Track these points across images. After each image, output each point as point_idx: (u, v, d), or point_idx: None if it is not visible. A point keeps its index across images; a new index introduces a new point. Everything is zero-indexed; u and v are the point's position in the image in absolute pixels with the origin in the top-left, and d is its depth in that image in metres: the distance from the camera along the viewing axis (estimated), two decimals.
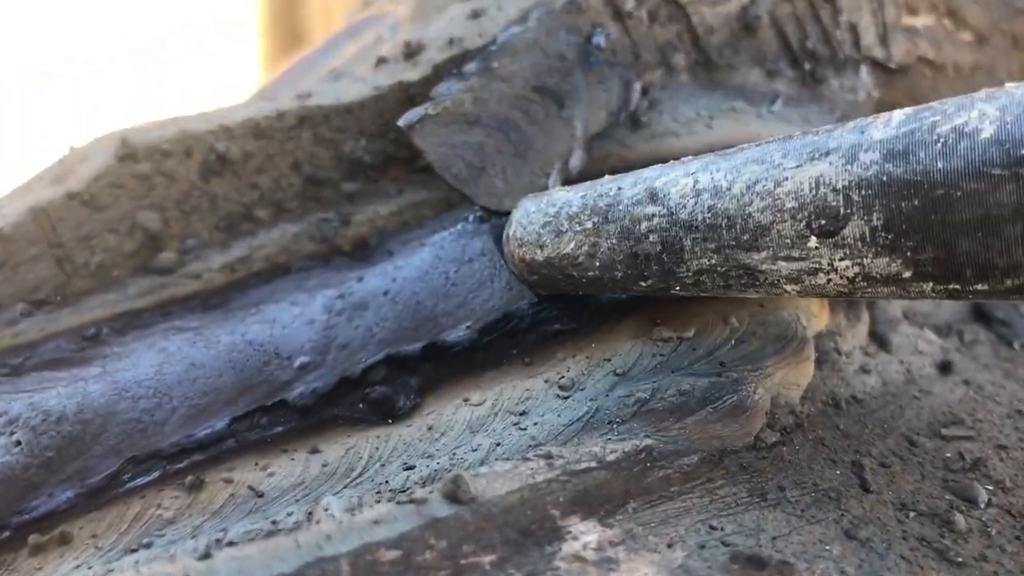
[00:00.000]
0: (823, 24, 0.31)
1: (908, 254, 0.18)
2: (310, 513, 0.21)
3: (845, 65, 0.32)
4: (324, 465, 0.23)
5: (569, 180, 0.27)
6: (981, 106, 0.17)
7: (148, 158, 0.27)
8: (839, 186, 0.18)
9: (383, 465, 0.22)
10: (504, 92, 0.27)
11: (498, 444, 0.22)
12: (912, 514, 0.22)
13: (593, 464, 0.21)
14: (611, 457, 0.21)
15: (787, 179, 0.19)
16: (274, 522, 0.21)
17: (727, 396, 0.23)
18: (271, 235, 0.28)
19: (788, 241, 0.19)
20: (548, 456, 0.21)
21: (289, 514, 0.21)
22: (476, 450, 0.22)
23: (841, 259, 0.19)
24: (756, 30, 0.30)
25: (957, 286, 0.18)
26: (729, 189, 0.20)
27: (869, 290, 0.19)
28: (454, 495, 0.19)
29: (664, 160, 0.29)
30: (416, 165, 0.29)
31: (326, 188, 0.28)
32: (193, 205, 0.27)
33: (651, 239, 0.21)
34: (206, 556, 0.18)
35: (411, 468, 0.22)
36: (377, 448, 0.23)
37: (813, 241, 0.19)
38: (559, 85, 0.27)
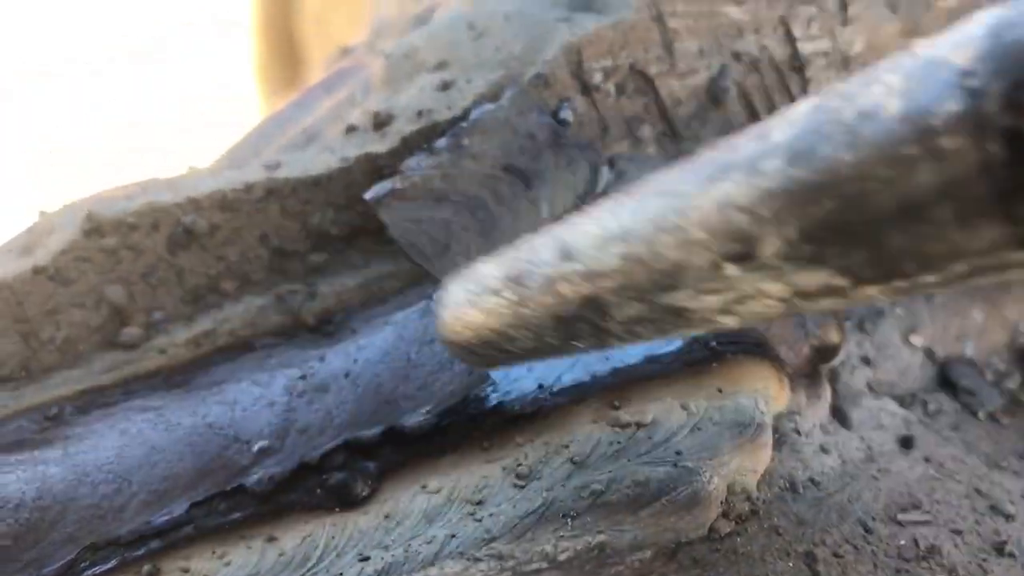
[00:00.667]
0: (791, 94, 0.31)
1: (836, 261, 0.16)
2: None
3: None
4: (280, 554, 0.23)
5: None
6: (885, 77, 0.15)
7: (115, 232, 0.27)
8: (745, 204, 0.17)
9: (339, 555, 0.23)
10: (473, 170, 0.27)
11: (453, 535, 0.22)
12: None
13: (544, 565, 0.21)
14: (563, 556, 0.21)
15: (692, 208, 0.17)
16: None
17: (682, 487, 0.23)
18: (237, 308, 0.28)
19: (706, 274, 0.18)
20: (500, 556, 0.21)
21: None
22: (431, 542, 0.22)
23: (765, 281, 0.17)
24: (724, 102, 0.30)
25: (903, 283, 0.16)
26: (636, 231, 0.19)
27: (810, 305, 0.17)
28: None
29: None
30: (384, 236, 0.29)
31: (293, 260, 0.29)
32: (159, 278, 0.28)
33: (573, 299, 0.20)
34: None
35: (366, 559, 0.22)
36: (333, 537, 0.23)
37: (730, 268, 0.17)
38: (528, 165, 0.27)
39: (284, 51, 2.40)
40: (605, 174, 0.29)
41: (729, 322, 0.18)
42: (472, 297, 0.22)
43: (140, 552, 0.22)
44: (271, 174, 0.29)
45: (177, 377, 0.27)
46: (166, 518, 0.23)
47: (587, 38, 0.30)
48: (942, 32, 0.15)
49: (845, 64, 0.32)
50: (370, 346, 0.26)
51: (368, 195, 0.27)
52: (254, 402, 0.26)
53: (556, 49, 0.30)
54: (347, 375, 0.26)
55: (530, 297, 0.21)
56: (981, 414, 0.31)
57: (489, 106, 0.28)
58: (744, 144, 0.17)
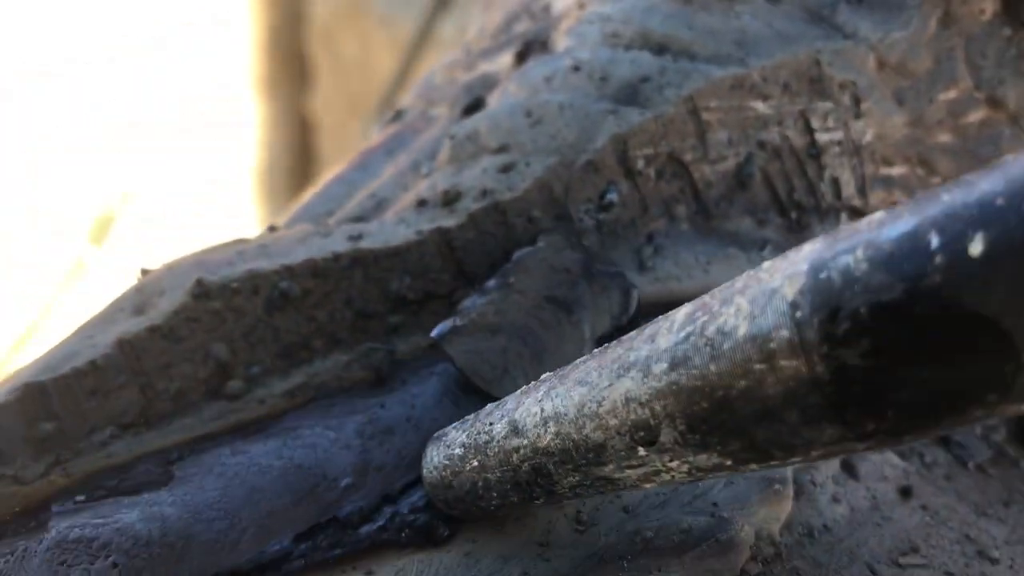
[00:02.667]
0: (809, 178, 0.35)
1: (719, 448, 0.19)
2: None
3: (827, 213, 0.36)
4: None
5: None
6: (738, 300, 0.18)
7: (220, 295, 0.31)
8: (643, 400, 0.20)
9: None
10: (521, 303, 0.31)
11: (526, 573, 0.26)
12: None
13: None
14: None
15: (605, 399, 0.21)
16: None
17: (719, 534, 0.27)
18: (326, 364, 0.32)
19: (623, 453, 0.21)
20: None
21: None
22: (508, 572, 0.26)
23: (670, 460, 0.21)
24: (750, 185, 0.34)
25: (776, 462, 0.19)
26: (566, 415, 0.22)
27: (711, 475, 0.21)
28: None
29: (668, 302, 0.33)
30: (454, 299, 0.33)
31: (374, 321, 0.33)
32: (258, 337, 0.31)
33: (524, 468, 0.24)
34: None
35: None
36: (422, 572, 0.27)
37: (641, 451, 0.21)
38: (567, 295, 0.31)
39: (291, 69, 2.42)
40: (635, 297, 0.33)
41: (651, 486, 0.22)
42: (445, 462, 0.27)
43: None
44: (355, 245, 0.33)
45: (252, 427, 0.31)
46: (276, 548, 0.27)
47: (632, 130, 0.34)
48: (784, 258, 0.18)
49: (857, 151, 0.36)
50: (423, 394, 0.30)
51: (434, 334, 0.31)
52: (331, 444, 0.30)
53: (605, 138, 0.34)
54: (408, 419, 0.30)
55: (490, 465, 0.25)
56: (971, 465, 0.35)
57: (528, 248, 0.32)
58: (640, 345, 0.20)
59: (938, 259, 0.15)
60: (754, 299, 0.18)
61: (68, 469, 0.29)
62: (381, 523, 0.28)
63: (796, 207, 0.35)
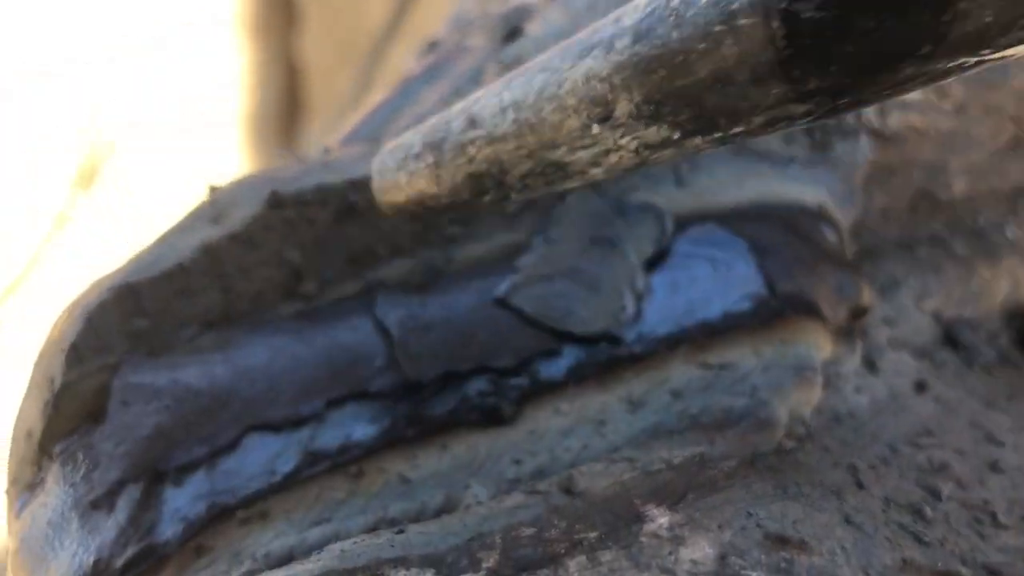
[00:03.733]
0: None
1: (670, 119, 0.21)
2: (452, 497, 0.28)
3: (848, 134, 0.39)
4: (453, 458, 0.30)
5: (639, 296, 0.33)
6: None
7: (293, 206, 0.34)
8: (604, 75, 0.21)
9: (497, 459, 0.29)
10: (567, 251, 0.33)
11: (585, 446, 0.29)
12: (893, 505, 0.29)
13: (663, 466, 0.28)
14: (676, 461, 0.28)
15: (565, 79, 0.22)
16: (423, 503, 0.28)
17: (759, 412, 0.30)
18: (389, 269, 0.34)
19: (577, 132, 0.22)
20: (630, 459, 0.28)
21: (434, 498, 0.28)
22: (569, 451, 0.29)
23: (621, 136, 0.22)
24: None
25: (719, 134, 0.20)
26: (525, 100, 0.23)
27: (655, 156, 0.22)
28: (568, 488, 0.26)
29: (703, 214, 0.36)
30: (506, 211, 0.35)
31: (432, 232, 0.35)
32: (329, 244, 0.34)
33: (479, 158, 0.25)
34: (400, 532, 0.25)
35: (519, 462, 0.29)
36: (492, 446, 0.30)
37: (596, 128, 0.22)
38: (607, 233, 0.34)
39: (278, 7, 2.41)
40: (669, 225, 0.35)
41: (598, 172, 0.23)
42: (399, 163, 0.28)
43: (347, 457, 0.29)
44: None
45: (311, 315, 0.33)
46: (308, 410, 0.30)
47: None
48: None
49: None
50: (461, 302, 0.33)
51: (496, 294, 0.33)
52: (372, 329, 0.32)
53: None
54: (446, 320, 0.33)
55: (446, 159, 0.26)
56: (976, 366, 0.38)
57: (559, 205, 0.35)
58: (603, 27, 0.22)
59: None
60: None
61: None
62: (453, 405, 0.30)
63: (820, 128, 0.38)
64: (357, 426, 0.30)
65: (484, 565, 0.24)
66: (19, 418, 0.32)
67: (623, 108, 0.21)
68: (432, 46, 0.49)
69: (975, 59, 0.18)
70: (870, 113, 0.39)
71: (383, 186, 0.28)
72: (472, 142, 0.25)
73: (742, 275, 0.34)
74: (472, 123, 0.25)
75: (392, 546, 0.25)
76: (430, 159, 0.26)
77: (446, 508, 0.28)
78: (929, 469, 0.31)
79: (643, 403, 0.30)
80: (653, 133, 0.21)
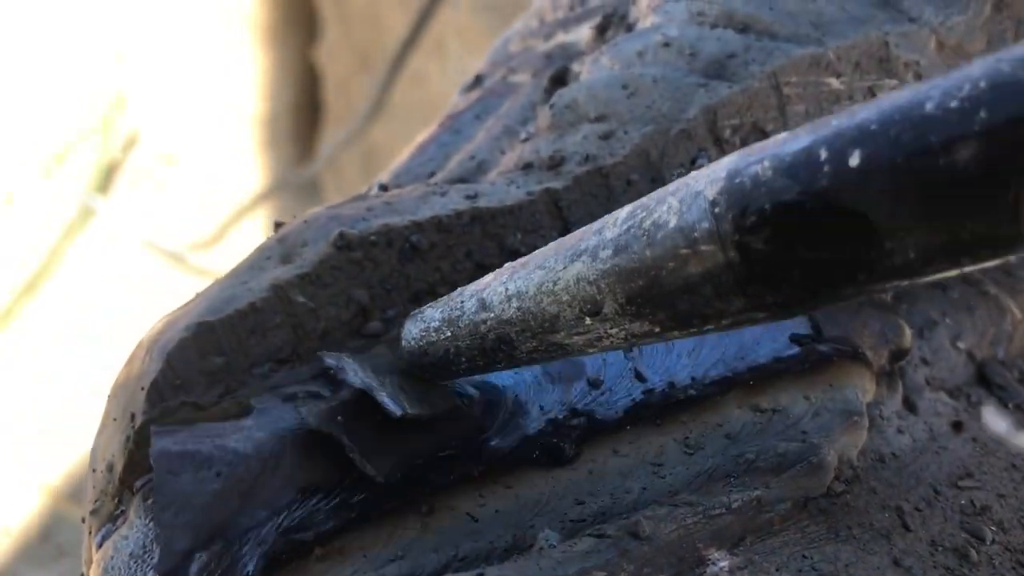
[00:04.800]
0: None
1: (650, 317, 0.25)
2: (519, 537, 0.29)
3: None
4: (517, 498, 0.31)
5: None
6: (670, 199, 0.24)
7: (359, 247, 0.35)
8: (591, 279, 0.25)
9: (560, 499, 0.31)
10: None
11: (645, 488, 0.31)
12: (940, 548, 0.31)
13: (723, 510, 0.29)
14: (734, 504, 0.29)
15: (560, 279, 0.27)
16: (491, 543, 0.29)
17: (811, 457, 0.31)
18: None
19: (572, 323, 0.27)
20: (691, 504, 0.29)
21: (501, 537, 0.30)
22: (629, 492, 0.31)
23: (610, 328, 0.26)
24: None
25: (694, 330, 0.24)
26: (527, 292, 0.28)
27: (640, 341, 0.26)
28: (635, 533, 0.28)
29: None
30: None
31: (490, 270, 0.36)
32: (393, 284, 0.35)
33: (490, 336, 0.29)
34: (480, 573, 0.27)
35: (582, 503, 0.31)
36: (554, 486, 0.31)
37: (588, 320, 0.26)
38: None
39: (297, 14, 2.42)
40: None
41: (593, 351, 0.28)
42: (423, 334, 0.32)
43: (415, 494, 0.31)
44: (474, 203, 0.36)
45: None
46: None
47: (720, 102, 0.37)
48: (707, 168, 0.24)
49: None
50: None
51: None
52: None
53: (696, 109, 0.37)
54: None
55: (461, 335, 0.30)
56: (1010, 405, 0.39)
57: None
58: (589, 236, 0.26)
59: (826, 168, 0.20)
60: (683, 199, 0.23)
61: (237, 397, 0.33)
62: (516, 444, 0.32)
63: None
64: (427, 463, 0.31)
65: None
66: (98, 450, 0.33)
67: (610, 307, 0.25)
68: (477, 81, 0.51)
69: (907, 282, 0.21)
70: None
71: (412, 351, 0.32)
72: (484, 322, 0.29)
73: (790, 320, 0.35)
74: (483, 306, 0.29)
75: None
76: (448, 332, 0.31)
77: (514, 548, 0.29)
78: (972, 512, 0.33)
79: (699, 446, 0.32)
80: (637, 327, 0.25)
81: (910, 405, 0.37)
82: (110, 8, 2.67)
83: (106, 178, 2.92)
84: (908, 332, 0.37)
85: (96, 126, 2.87)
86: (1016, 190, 0.18)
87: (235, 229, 2.70)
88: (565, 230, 0.37)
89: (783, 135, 0.22)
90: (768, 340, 0.34)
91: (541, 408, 0.33)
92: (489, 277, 0.30)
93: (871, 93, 0.39)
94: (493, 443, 0.32)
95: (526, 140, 0.40)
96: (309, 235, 0.36)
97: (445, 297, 0.32)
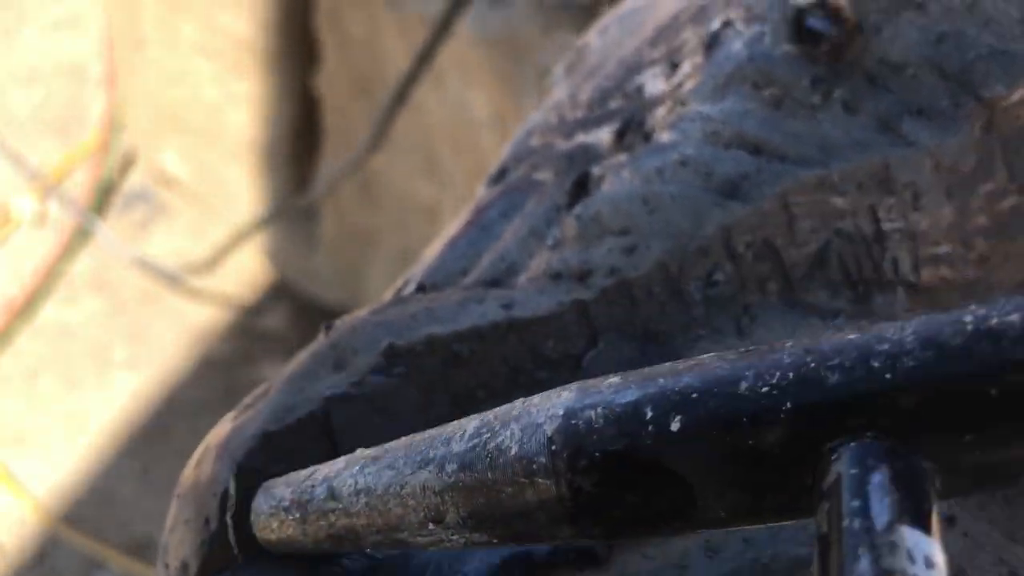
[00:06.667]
0: (874, 259, 0.43)
1: (488, 531, 0.27)
2: None
3: (886, 287, 0.43)
4: None
5: None
6: (512, 426, 0.26)
7: (406, 356, 0.38)
8: (437, 489, 0.27)
9: None
10: None
11: None
12: None
13: None
14: None
15: (407, 483, 0.28)
16: None
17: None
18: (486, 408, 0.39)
19: (416, 526, 0.28)
20: None
21: None
22: None
23: (452, 535, 0.28)
24: (827, 265, 0.42)
25: (530, 543, 0.28)
26: (375, 490, 0.29)
27: (479, 547, 0.28)
28: None
29: None
30: (583, 360, 0.40)
31: (523, 375, 0.40)
32: (436, 388, 0.39)
33: (337, 525, 0.30)
34: None
35: None
36: None
37: (431, 525, 0.28)
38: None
39: (296, 41, 2.45)
40: (743, 319, 0.41)
41: (434, 550, 0.30)
42: (271, 511, 0.33)
43: None
44: (509, 313, 0.40)
45: None
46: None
47: (735, 220, 0.41)
48: (547, 398, 0.26)
49: (913, 237, 0.43)
50: None
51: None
52: None
53: (713, 227, 0.41)
54: None
55: (310, 519, 0.31)
56: (999, 496, 0.43)
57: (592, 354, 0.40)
58: (438, 445, 0.28)
59: (650, 427, 0.23)
60: (524, 428, 0.26)
61: None
62: (553, 547, 0.35)
63: (863, 282, 0.43)
64: (471, 565, 0.35)
65: None
66: (170, 549, 0.36)
67: (451, 517, 0.27)
68: (501, 175, 0.54)
69: (723, 528, 0.25)
70: (906, 267, 0.44)
71: (258, 524, 0.34)
72: (332, 511, 0.31)
73: None
74: (332, 495, 0.31)
75: None
76: (296, 515, 0.32)
77: None
78: None
79: (719, 549, 0.35)
80: (476, 537, 0.27)
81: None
82: (108, 29, 2.69)
83: (103, 200, 2.94)
84: None
85: (93, 148, 2.89)
86: (813, 469, 0.22)
87: (232, 253, 2.72)
88: (593, 338, 0.40)
89: (616, 380, 0.25)
90: None
91: None
92: (340, 463, 0.32)
93: (871, 211, 0.42)
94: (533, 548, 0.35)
95: (554, 247, 0.44)
96: (359, 344, 0.39)
97: (295, 475, 0.33)
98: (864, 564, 0.19)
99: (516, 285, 0.43)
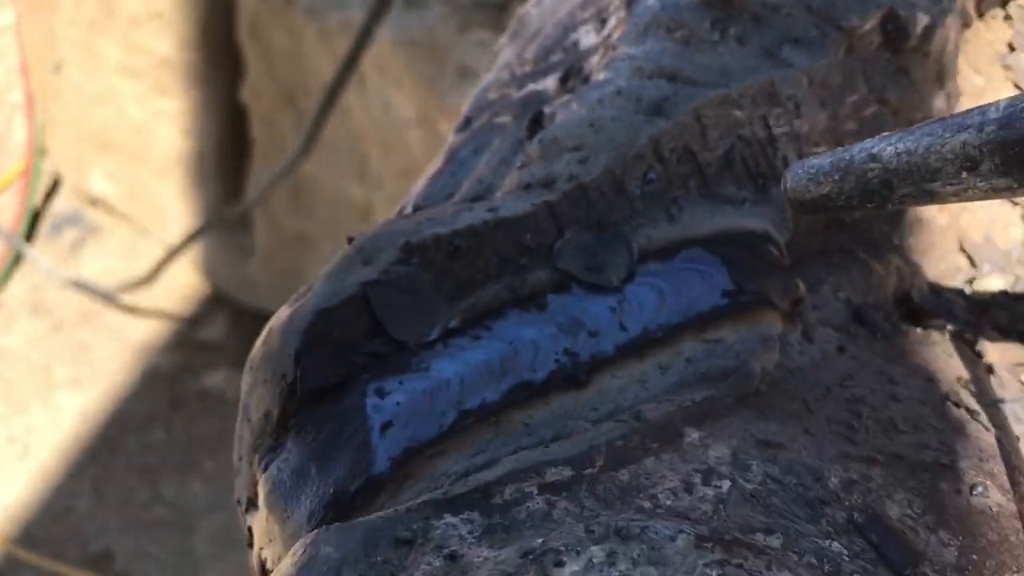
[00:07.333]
0: (768, 158, 0.55)
1: (1014, 175, 0.34)
2: (559, 432, 0.44)
3: (779, 180, 0.56)
4: (552, 410, 0.45)
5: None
6: None
7: (420, 251, 0.49)
8: (976, 144, 0.34)
9: (581, 409, 0.45)
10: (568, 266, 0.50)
11: (636, 396, 0.45)
12: (833, 422, 0.46)
13: (690, 403, 0.44)
14: (697, 399, 0.44)
15: (947, 143, 0.36)
16: (541, 438, 0.44)
17: (743, 369, 0.46)
18: (484, 292, 0.50)
19: (951, 175, 0.35)
20: (670, 400, 0.44)
21: (547, 434, 0.44)
22: (626, 399, 0.45)
23: (979, 181, 0.35)
24: (733, 164, 0.54)
25: None
26: (916, 150, 0.37)
27: (996, 196, 0.36)
28: (638, 417, 0.43)
29: (691, 240, 0.52)
30: (554, 247, 0.51)
31: (510, 263, 0.51)
32: (443, 277, 0.50)
33: (875, 181, 0.40)
34: (547, 447, 0.41)
35: (596, 409, 0.45)
36: (576, 401, 0.45)
37: (964, 174, 0.34)
38: (594, 261, 0.50)
39: (220, 56, 2.52)
40: (672, 209, 0.52)
41: (955, 200, 0.38)
42: (811, 176, 0.43)
43: (486, 412, 0.45)
44: (495, 215, 0.51)
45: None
46: (478, 402, 0.45)
47: (661, 133, 0.53)
48: None
49: (797, 139, 0.56)
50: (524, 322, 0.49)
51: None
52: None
53: (645, 139, 0.53)
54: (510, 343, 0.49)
55: (848, 179, 0.40)
56: (879, 335, 0.56)
57: (559, 244, 0.51)
58: (973, 116, 0.34)
59: None
60: None
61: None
62: (546, 376, 0.46)
63: (761, 176, 0.55)
64: (488, 392, 0.46)
65: (597, 463, 0.40)
66: (250, 406, 0.47)
67: (986, 165, 0.34)
68: (466, 122, 0.65)
69: None
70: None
71: (796, 189, 0.43)
72: (871, 169, 0.39)
73: (720, 281, 0.51)
74: (873, 158, 0.39)
75: (540, 456, 0.41)
76: (836, 176, 0.41)
77: (557, 438, 0.44)
78: (853, 400, 0.48)
79: (669, 367, 0.47)
80: (1000, 182, 0.34)
81: (807, 337, 0.52)
82: (22, 54, 2.72)
83: (33, 224, 2.95)
84: (802, 286, 0.53)
85: (17, 174, 2.90)
86: None
87: (167, 268, 2.76)
88: (560, 230, 0.52)
89: None
90: (708, 296, 0.50)
91: (557, 352, 0.47)
92: (869, 142, 0.39)
93: (763, 119, 0.55)
94: (532, 377, 0.46)
95: (521, 167, 0.55)
96: (382, 243, 0.50)
97: (827, 152, 0.42)
98: None
99: (495, 199, 0.54)
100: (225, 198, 2.76)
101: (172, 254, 2.66)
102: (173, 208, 2.80)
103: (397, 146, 2.19)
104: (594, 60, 0.60)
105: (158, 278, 2.74)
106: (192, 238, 2.64)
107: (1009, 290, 0.61)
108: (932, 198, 0.38)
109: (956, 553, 0.40)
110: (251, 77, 2.43)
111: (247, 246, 2.80)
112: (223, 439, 2.73)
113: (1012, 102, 0.35)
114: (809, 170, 0.43)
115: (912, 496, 0.42)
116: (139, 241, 2.92)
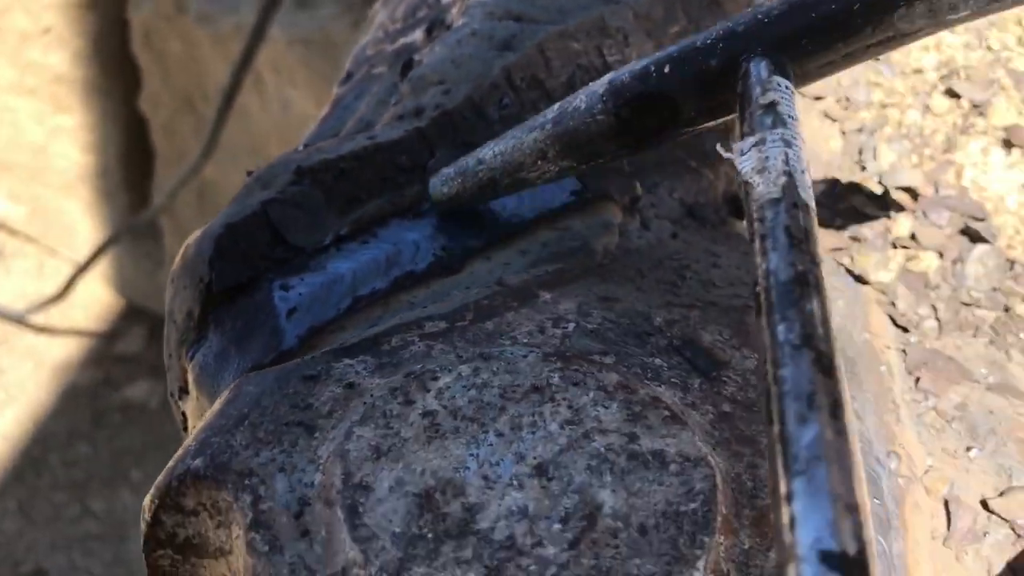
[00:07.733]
0: None
1: (572, 157, 0.48)
2: (444, 302, 0.53)
3: None
4: (433, 291, 0.54)
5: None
6: (580, 96, 0.46)
7: (310, 173, 0.58)
8: (541, 139, 0.48)
9: (456, 287, 0.54)
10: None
11: (502, 274, 0.55)
12: (661, 282, 0.56)
13: (544, 274, 0.54)
14: (550, 271, 0.54)
15: (524, 141, 0.49)
16: (432, 304, 0.53)
17: (588, 247, 0.56)
18: (368, 207, 0.59)
19: (532, 163, 0.49)
20: (528, 272, 0.54)
21: (435, 303, 0.53)
22: (493, 276, 0.55)
23: (550, 165, 0.49)
24: (574, 89, 0.64)
25: (592, 163, 0.47)
26: (506, 150, 0.51)
27: (565, 174, 0.49)
28: (501, 283, 0.52)
29: None
30: (427, 167, 0.61)
31: (389, 181, 0.60)
32: (333, 194, 0.58)
33: (484, 178, 0.53)
34: (424, 308, 0.50)
35: (468, 288, 0.54)
36: (453, 283, 0.55)
37: (539, 162, 0.49)
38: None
39: (115, 68, 2.56)
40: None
41: (540, 182, 0.51)
42: (442, 182, 0.55)
43: (376, 297, 0.54)
44: (375, 140, 0.60)
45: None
46: (369, 290, 0.54)
47: (511, 64, 0.62)
48: (596, 81, 0.48)
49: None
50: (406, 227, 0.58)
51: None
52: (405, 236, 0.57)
53: (498, 71, 0.62)
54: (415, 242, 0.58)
55: (467, 178, 0.53)
56: (708, 225, 0.66)
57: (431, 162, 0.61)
58: (537, 119, 0.50)
59: (654, 76, 0.44)
60: (587, 95, 0.45)
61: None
62: (429, 265, 0.55)
63: None
64: (377, 282, 0.54)
65: (468, 318, 0.50)
66: (175, 308, 0.55)
67: (551, 153, 0.47)
68: (348, 76, 0.74)
69: (692, 128, 0.46)
70: None
71: (433, 194, 0.56)
72: (480, 170, 0.51)
73: (569, 184, 0.60)
74: (480, 162, 0.52)
75: (420, 314, 0.50)
76: (459, 180, 0.53)
77: (442, 304, 0.53)
78: (680, 268, 0.59)
79: (527, 251, 0.56)
80: (565, 163, 0.47)
81: (645, 226, 0.63)
82: None
83: None
84: (639, 186, 0.63)
85: None
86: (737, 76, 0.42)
87: (78, 285, 2.77)
88: (431, 151, 0.61)
89: (639, 64, 0.45)
90: (558, 193, 0.59)
91: (435, 248, 0.57)
92: (479, 149, 0.52)
93: (598, 49, 0.65)
94: (414, 268, 0.55)
95: (396, 103, 0.64)
96: (276, 171, 0.58)
97: (455, 161, 0.55)
98: (758, 91, 0.38)
99: (374, 130, 0.63)
100: (132, 210, 2.78)
101: (81, 270, 2.67)
102: (80, 225, 2.81)
103: (297, 142, 2.26)
104: (454, 11, 0.69)
105: (70, 296, 2.75)
106: (100, 252, 2.65)
107: (827, 190, 0.73)
108: (524, 184, 0.50)
109: (755, 363, 0.50)
110: (148, 86, 2.47)
111: (158, 256, 2.83)
112: (149, 448, 2.75)
113: (561, 104, 0.47)
114: (441, 177, 0.56)
115: (722, 327, 0.52)
116: (47, 261, 2.92)
